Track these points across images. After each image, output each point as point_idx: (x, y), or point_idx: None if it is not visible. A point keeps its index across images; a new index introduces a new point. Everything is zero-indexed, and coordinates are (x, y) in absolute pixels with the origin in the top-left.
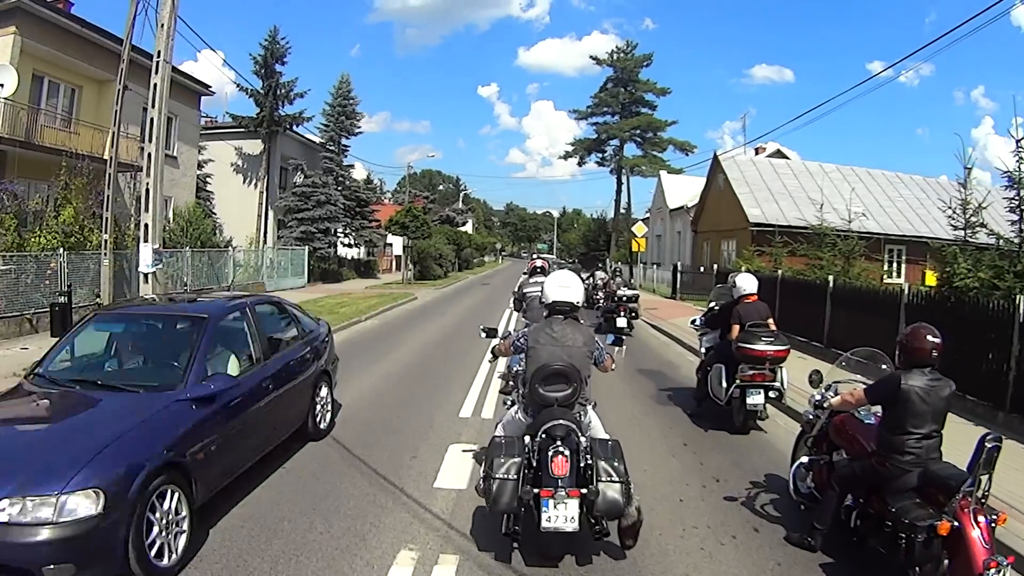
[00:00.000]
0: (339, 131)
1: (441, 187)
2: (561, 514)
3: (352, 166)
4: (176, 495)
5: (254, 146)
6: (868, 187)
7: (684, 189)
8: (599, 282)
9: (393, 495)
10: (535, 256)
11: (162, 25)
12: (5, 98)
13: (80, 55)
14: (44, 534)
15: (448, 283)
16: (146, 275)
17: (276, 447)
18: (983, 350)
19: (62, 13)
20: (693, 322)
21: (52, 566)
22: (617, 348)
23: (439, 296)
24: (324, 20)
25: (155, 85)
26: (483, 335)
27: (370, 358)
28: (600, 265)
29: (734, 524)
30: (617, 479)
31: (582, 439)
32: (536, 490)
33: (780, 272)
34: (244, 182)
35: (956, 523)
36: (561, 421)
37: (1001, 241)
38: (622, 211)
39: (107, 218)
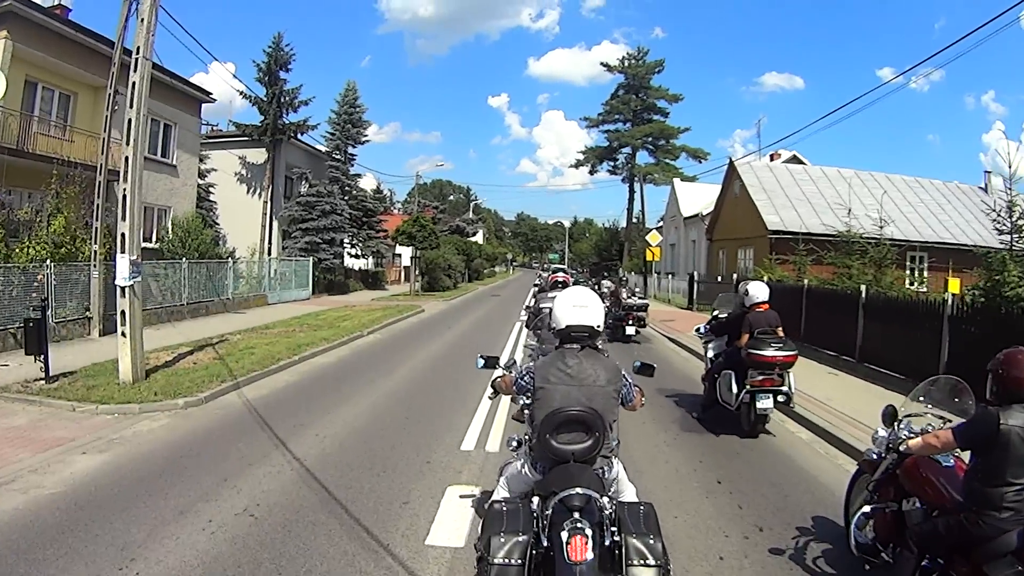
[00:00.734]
0: (345, 139)
1: (452, 197)
2: None
3: (359, 175)
4: None
5: (258, 155)
6: (888, 192)
7: (698, 197)
8: (606, 291)
9: (376, 556)
10: (551, 268)
11: (142, 20)
12: None
13: (75, 60)
14: None
15: (457, 295)
16: (123, 288)
17: (243, 481)
18: None
19: (56, 18)
20: (697, 330)
21: None
22: (646, 376)
23: (447, 308)
24: (335, 32)
25: (134, 84)
26: (481, 364)
27: (366, 378)
28: (606, 274)
29: None
30: (653, 562)
31: (607, 506)
32: None
33: (806, 282)
34: (248, 192)
35: None
36: (578, 490)
37: None
38: (635, 220)
39: (97, 228)
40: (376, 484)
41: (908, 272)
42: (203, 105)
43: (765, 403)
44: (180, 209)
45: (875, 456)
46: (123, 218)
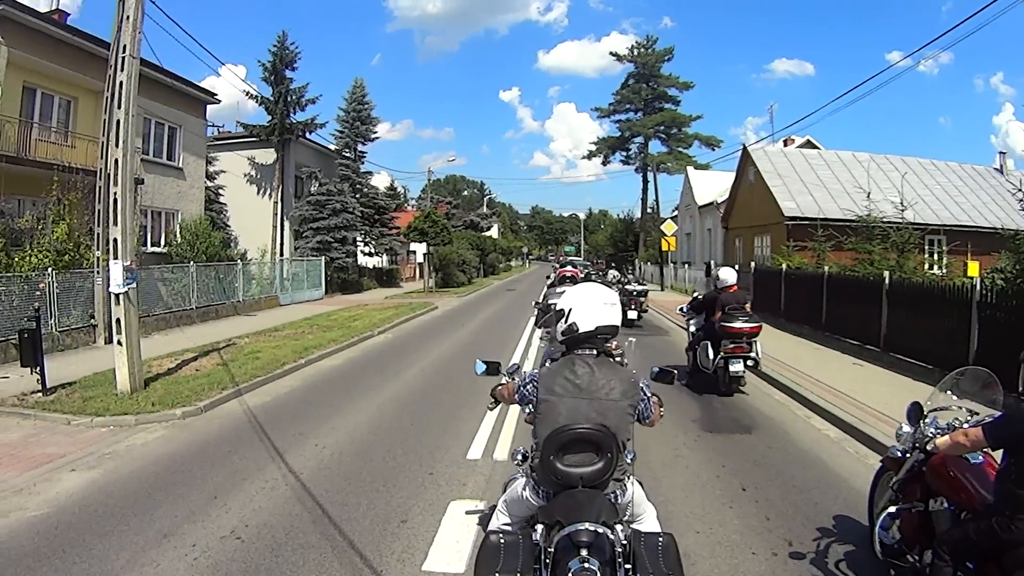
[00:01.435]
0: (355, 137)
1: (466, 192)
2: None
3: (370, 173)
4: None
5: (267, 155)
6: (903, 175)
7: (712, 185)
8: (612, 279)
9: None
10: (562, 261)
11: (128, 17)
12: None
13: (74, 65)
14: None
15: (471, 290)
16: (117, 296)
17: (234, 498)
18: None
19: (53, 23)
20: (680, 309)
21: None
22: (664, 383)
23: (461, 304)
24: (344, 31)
25: (120, 83)
26: (481, 370)
27: (373, 382)
28: (613, 264)
29: None
30: None
31: (620, 540)
32: None
33: (826, 269)
34: (258, 192)
35: None
36: (587, 525)
37: None
38: (649, 210)
39: (100, 234)
40: (374, 500)
41: (928, 256)
42: (209, 107)
43: (736, 367)
44: (188, 212)
45: (899, 453)
46: (115, 222)
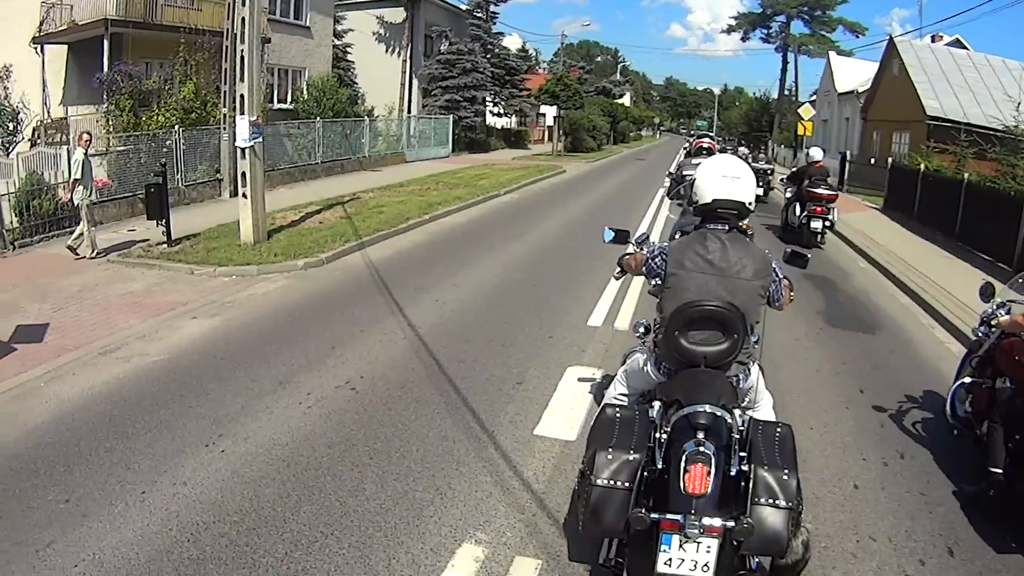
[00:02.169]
0: None
1: (599, 59)
2: (689, 558)
3: (501, 34)
4: None
5: (396, 14)
6: None
7: (854, 73)
8: (740, 156)
9: (478, 444)
10: (694, 135)
11: None
12: None
13: None
14: None
15: (600, 157)
16: (242, 150)
17: (351, 349)
18: None
19: None
20: (781, 179)
21: None
22: (797, 267)
23: (589, 170)
24: None
25: None
26: (609, 238)
27: (498, 240)
28: (742, 141)
29: (923, 537)
30: (784, 503)
31: (738, 426)
32: (655, 516)
33: (966, 176)
34: (387, 51)
35: None
36: (706, 407)
37: None
38: (786, 92)
39: (226, 92)
40: (491, 360)
41: None
42: None
43: (816, 224)
44: (315, 70)
45: (980, 335)
46: (242, 79)
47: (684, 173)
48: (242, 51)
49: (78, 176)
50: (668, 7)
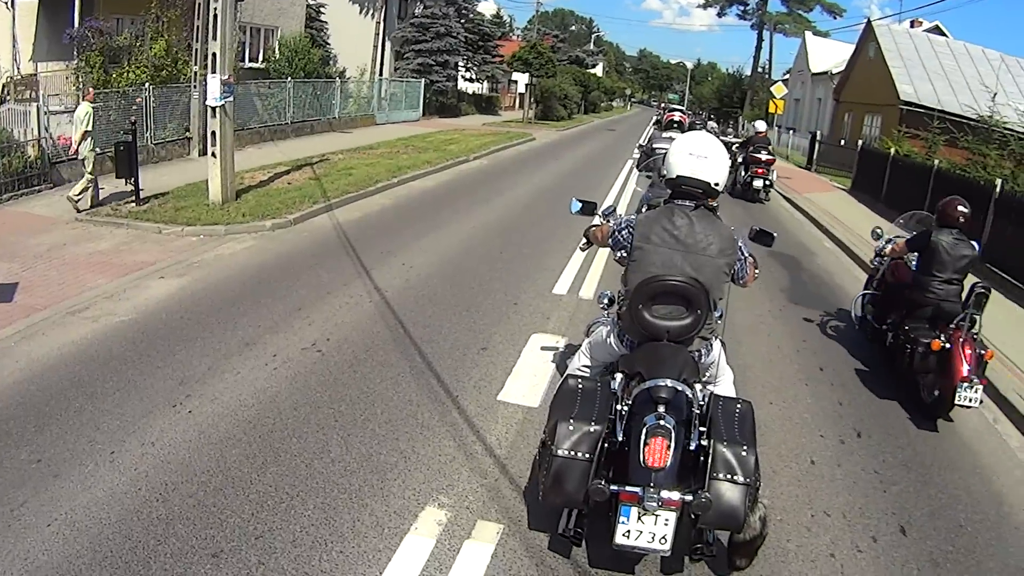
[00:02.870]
0: None
1: (573, 28)
2: (647, 530)
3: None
4: None
5: None
6: None
7: (829, 54)
8: (710, 130)
9: (442, 408)
10: (665, 107)
11: None
12: None
13: None
14: None
15: (571, 125)
16: (213, 109)
17: (317, 311)
18: None
19: None
20: (729, 146)
21: None
22: (762, 245)
23: (559, 139)
24: None
25: None
26: (575, 209)
27: (466, 206)
28: (711, 116)
29: (876, 515)
30: (742, 479)
31: (698, 401)
32: (615, 488)
33: (936, 163)
34: (361, 13)
35: (948, 345)
36: (667, 381)
37: None
38: (760, 69)
39: (197, 50)
40: (456, 324)
41: None
42: None
43: (757, 183)
44: (288, 29)
45: (876, 264)
46: (214, 37)
47: (654, 146)
48: (215, 8)
49: (89, 128)
50: None
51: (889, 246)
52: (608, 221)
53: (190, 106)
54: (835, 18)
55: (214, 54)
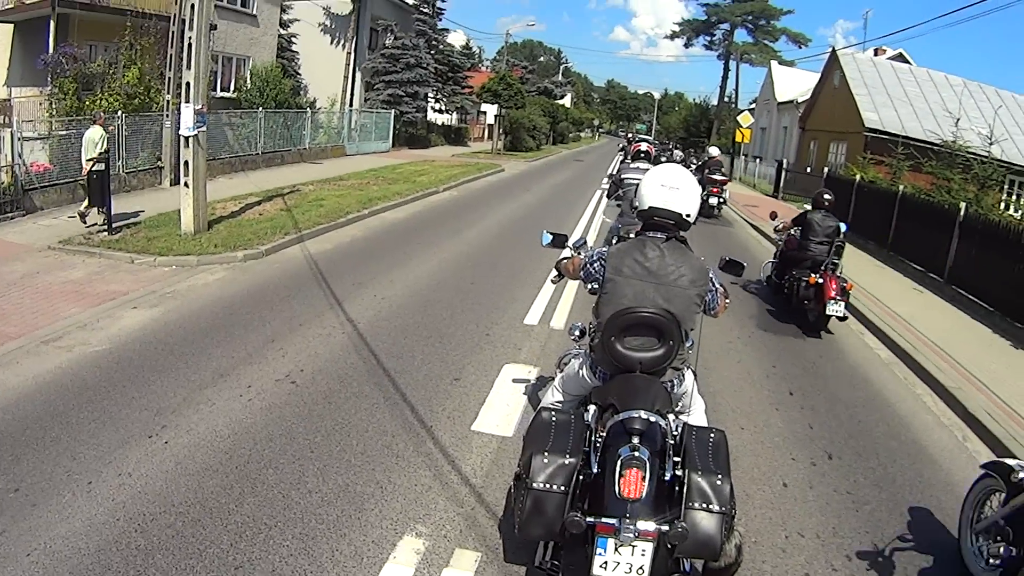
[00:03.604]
0: None
1: (542, 59)
2: (624, 561)
3: (447, 30)
4: None
5: (343, 6)
6: (997, 108)
7: (794, 83)
8: (676, 159)
9: (416, 439)
10: (631, 138)
11: None
12: None
13: None
14: None
15: (539, 156)
16: (186, 138)
17: (291, 343)
18: None
19: None
20: (691, 168)
21: None
22: (732, 275)
23: (527, 169)
24: None
25: None
26: (546, 242)
27: (436, 237)
28: (677, 145)
29: (850, 534)
30: (718, 507)
31: (672, 432)
32: (591, 520)
33: (901, 188)
34: (332, 43)
35: (820, 280)
36: (641, 413)
37: None
38: (727, 99)
39: (170, 78)
40: (429, 355)
41: (1009, 196)
42: None
43: (713, 200)
44: (260, 59)
45: (777, 241)
46: (188, 67)
47: (623, 176)
48: (190, 38)
49: (104, 149)
50: (613, 11)
51: (781, 224)
52: (579, 253)
53: (162, 135)
54: (800, 47)
55: (188, 83)
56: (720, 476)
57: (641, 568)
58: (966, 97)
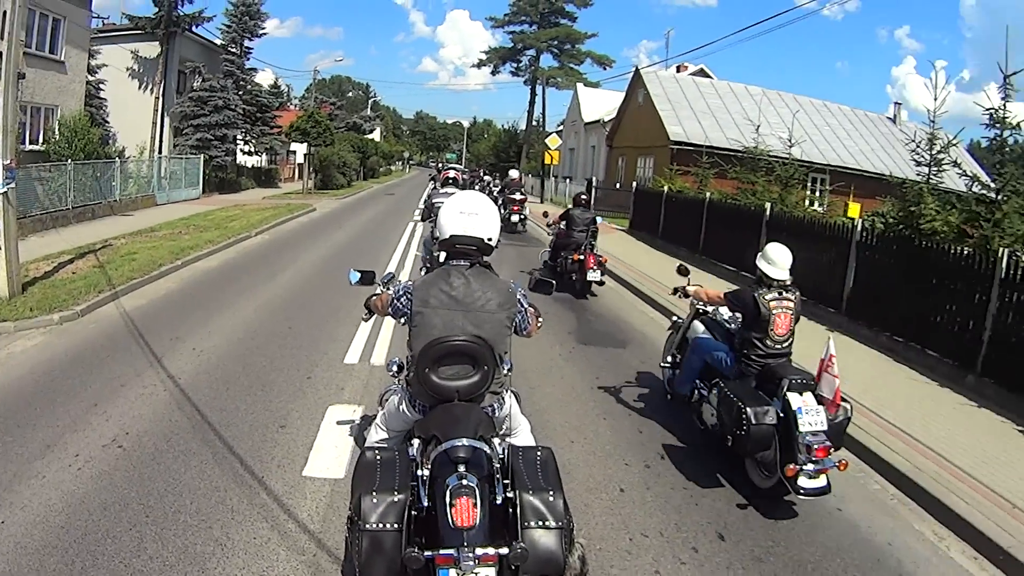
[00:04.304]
0: (242, 32)
1: (350, 94)
2: None
3: (255, 70)
4: None
5: (151, 49)
6: (795, 113)
7: (601, 103)
8: (486, 182)
9: (249, 491)
10: (442, 167)
11: None
12: None
13: None
14: None
15: (351, 192)
16: None
17: (114, 405)
18: (949, 302)
19: None
20: (498, 188)
21: None
22: (543, 294)
23: (340, 207)
24: None
25: None
26: (355, 280)
27: (252, 283)
28: (488, 172)
29: (692, 528)
30: (553, 523)
31: (497, 455)
32: (429, 554)
33: (708, 195)
34: (140, 88)
35: (581, 256)
36: (464, 440)
37: (976, 184)
38: (535, 123)
39: None
40: (253, 404)
41: (810, 193)
42: None
43: (515, 218)
44: (68, 108)
45: (550, 233)
46: None
47: (434, 201)
48: None
49: None
50: (421, 42)
51: (552, 220)
52: (388, 289)
53: None
54: (605, 69)
55: None
56: (552, 492)
57: None
58: (766, 105)
